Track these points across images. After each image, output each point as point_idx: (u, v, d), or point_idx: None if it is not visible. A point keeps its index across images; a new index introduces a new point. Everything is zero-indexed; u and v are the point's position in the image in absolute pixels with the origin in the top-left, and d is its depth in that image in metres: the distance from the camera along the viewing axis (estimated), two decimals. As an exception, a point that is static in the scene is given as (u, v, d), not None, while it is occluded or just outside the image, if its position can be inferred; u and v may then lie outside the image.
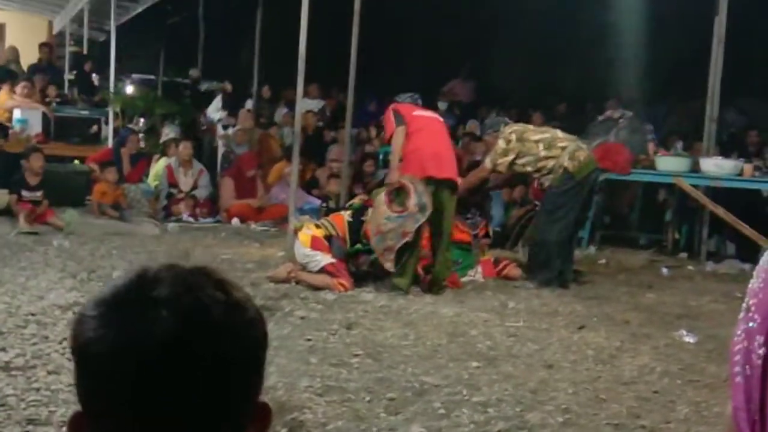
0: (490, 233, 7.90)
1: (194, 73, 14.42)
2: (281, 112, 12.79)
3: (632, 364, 4.74)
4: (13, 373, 3.93)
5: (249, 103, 12.96)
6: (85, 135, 11.51)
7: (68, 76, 14.05)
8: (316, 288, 6.20)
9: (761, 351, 0.87)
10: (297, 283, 6.33)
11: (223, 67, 14.58)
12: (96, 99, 12.91)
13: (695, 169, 8.56)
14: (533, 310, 6.03)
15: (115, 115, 12.49)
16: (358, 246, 6.53)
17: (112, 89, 12.61)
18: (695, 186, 8.52)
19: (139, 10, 13.72)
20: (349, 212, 6.67)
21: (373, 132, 11.54)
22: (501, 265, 7.30)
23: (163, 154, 11.32)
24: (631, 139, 9.15)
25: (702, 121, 9.27)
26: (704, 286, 7.42)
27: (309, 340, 4.80)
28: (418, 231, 6.31)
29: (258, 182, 10.57)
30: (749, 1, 9.27)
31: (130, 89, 13.61)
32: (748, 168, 8.41)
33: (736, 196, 8.70)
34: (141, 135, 11.84)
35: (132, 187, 10.23)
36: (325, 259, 6.33)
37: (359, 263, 6.72)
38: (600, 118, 9.88)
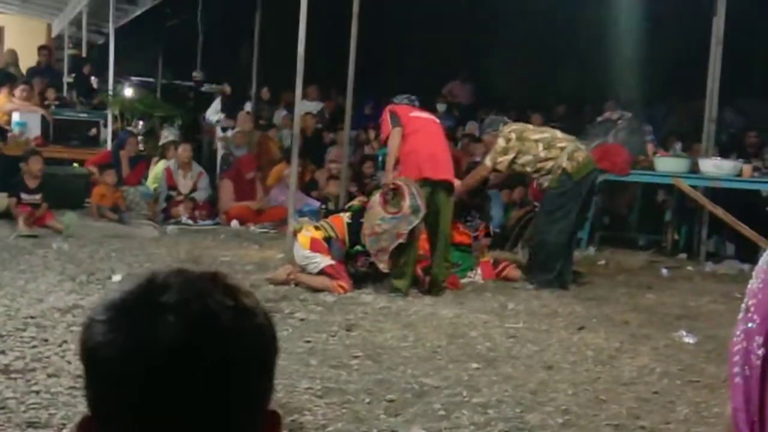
0: (491, 232, 7.90)
1: (198, 75, 14.43)
2: (280, 114, 12.79)
3: (632, 364, 4.74)
4: (13, 376, 3.93)
5: (248, 106, 12.97)
6: (84, 138, 11.51)
7: (67, 79, 14.05)
8: (316, 290, 6.20)
9: (760, 351, 0.87)
10: (296, 284, 6.33)
11: (222, 70, 14.58)
12: (95, 102, 12.91)
13: (694, 169, 8.56)
14: (533, 311, 6.03)
15: (114, 117, 12.48)
16: (358, 247, 6.53)
17: (110, 92, 12.60)
18: (694, 187, 8.53)
19: (138, 12, 13.72)
20: (348, 214, 6.67)
21: (372, 134, 11.54)
22: (500, 267, 7.31)
23: (162, 156, 11.32)
24: (630, 139, 9.16)
25: (701, 122, 9.28)
26: (703, 286, 7.42)
27: (308, 341, 4.80)
28: (413, 232, 6.31)
29: (257, 184, 10.57)
30: (747, 1, 9.28)
31: (129, 92, 13.60)
32: (747, 168, 8.42)
33: (735, 196, 8.71)
34: (140, 138, 11.83)
35: (131, 190, 10.22)
36: (324, 260, 6.33)
37: (358, 265, 6.72)
38: (599, 119, 9.89)
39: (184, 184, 10.32)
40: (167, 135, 12.15)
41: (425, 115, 6.98)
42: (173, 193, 10.25)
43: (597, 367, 4.65)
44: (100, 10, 13.58)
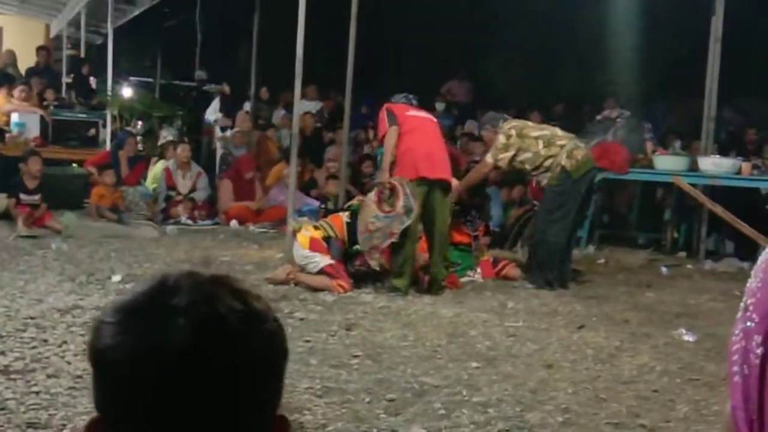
0: (491, 231, 7.91)
1: (200, 74, 14.43)
2: (279, 113, 12.79)
3: (632, 363, 4.74)
4: (13, 376, 3.93)
5: (247, 105, 12.97)
6: (83, 138, 11.52)
7: (66, 79, 14.04)
8: (315, 289, 6.21)
9: (759, 351, 0.87)
10: (296, 284, 6.33)
11: (220, 70, 14.58)
12: (94, 102, 12.90)
13: (693, 167, 8.56)
14: (532, 310, 6.03)
15: (113, 118, 12.48)
16: (357, 247, 6.53)
17: (109, 92, 12.60)
18: (693, 185, 8.53)
19: (136, 13, 13.70)
20: (347, 213, 6.67)
21: (371, 134, 11.55)
22: (500, 266, 7.31)
23: (161, 156, 11.32)
24: (629, 138, 9.16)
25: (700, 121, 9.28)
26: (703, 284, 7.43)
27: (308, 341, 4.80)
28: (406, 232, 6.30)
29: (256, 184, 10.57)
30: (746, 1, 9.29)
31: (127, 92, 13.60)
32: (746, 166, 8.42)
33: (734, 194, 8.71)
34: (139, 138, 11.84)
35: (130, 190, 10.23)
36: (323, 260, 6.33)
37: (358, 264, 6.72)
38: (598, 117, 9.90)
39: (183, 184, 10.32)
40: (166, 135, 12.16)
41: (422, 114, 6.96)
42: (172, 193, 10.25)
43: (597, 366, 4.65)
44: (99, 11, 13.57)
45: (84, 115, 11.99)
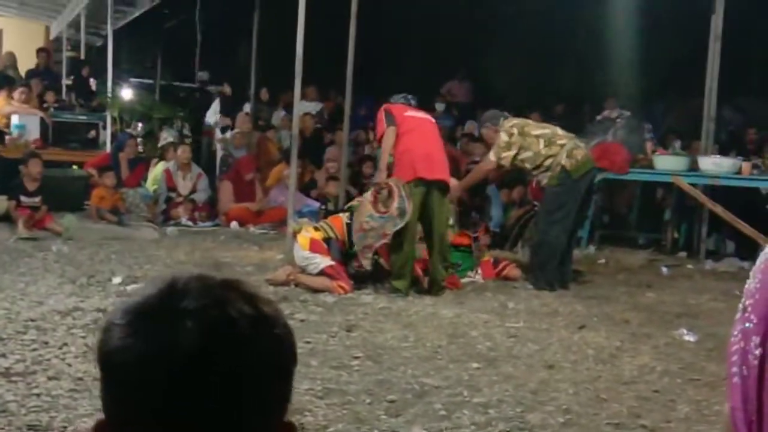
0: (491, 232, 7.91)
1: (202, 75, 14.43)
2: (279, 114, 12.80)
3: (632, 363, 4.74)
4: (14, 379, 3.92)
5: (247, 106, 12.97)
6: (83, 140, 11.52)
7: (66, 81, 14.05)
8: (316, 290, 6.21)
9: (758, 351, 0.87)
10: (296, 285, 6.33)
11: (220, 70, 14.59)
12: (94, 104, 12.92)
13: (694, 167, 8.56)
14: (533, 310, 6.03)
15: (113, 119, 12.49)
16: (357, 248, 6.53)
17: (109, 94, 12.61)
18: (694, 185, 8.52)
19: (136, 14, 13.71)
20: (347, 214, 6.67)
21: (372, 134, 11.55)
22: (500, 266, 7.31)
23: (162, 158, 11.33)
24: (629, 138, 9.15)
25: (700, 120, 9.28)
26: (703, 284, 7.42)
27: (309, 342, 4.80)
28: (404, 233, 6.30)
29: (256, 185, 10.57)
30: (746, 0, 9.29)
31: (127, 94, 13.60)
32: (746, 166, 8.41)
33: (734, 194, 8.71)
34: (139, 139, 11.85)
35: (130, 192, 10.24)
36: (324, 261, 6.33)
37: (358, 265, 6.72)
38: (598, 117, 9.89)
39: (183, 186, 10.33)
40: (166, 136, 12.16)
41: (420, 114, 6.94)
42: (173, 195, 10.25)
43: (598, 366, 4.65)
44: (99, 12, 13.57)
45: (84, 117, 11.99)
